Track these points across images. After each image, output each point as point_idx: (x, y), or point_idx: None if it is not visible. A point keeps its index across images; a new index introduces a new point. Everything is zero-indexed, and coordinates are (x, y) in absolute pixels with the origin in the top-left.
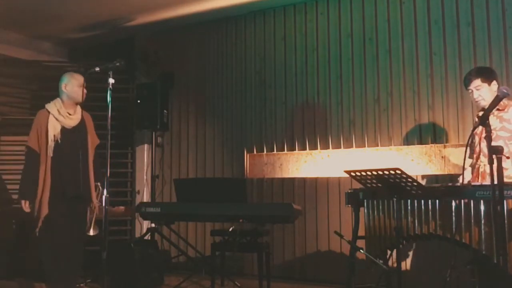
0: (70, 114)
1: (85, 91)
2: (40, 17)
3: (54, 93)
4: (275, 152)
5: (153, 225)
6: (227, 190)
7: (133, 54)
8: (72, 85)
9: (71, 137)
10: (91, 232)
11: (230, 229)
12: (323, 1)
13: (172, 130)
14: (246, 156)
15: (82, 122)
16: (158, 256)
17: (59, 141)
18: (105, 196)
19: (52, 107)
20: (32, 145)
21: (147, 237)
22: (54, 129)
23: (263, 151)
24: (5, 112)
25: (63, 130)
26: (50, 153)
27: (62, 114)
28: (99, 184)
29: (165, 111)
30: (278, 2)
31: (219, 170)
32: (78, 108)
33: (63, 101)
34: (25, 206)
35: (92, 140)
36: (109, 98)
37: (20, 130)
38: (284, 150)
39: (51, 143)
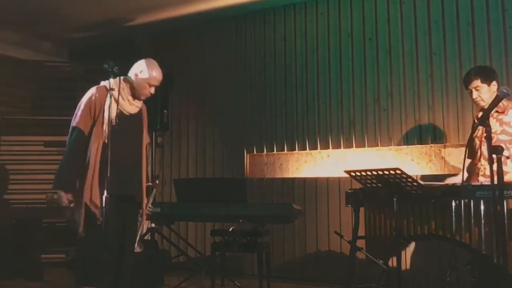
0: (131, 99)
1: (152, 91)
2: (40, 17)
3: (54, 93)
4: (275, 152)
5: (153, 225)
6: (227, 190)
7: (133, 54)
8: (143, 78)
9: (128, 126)
10: (137, 249)
11: (230, 229)
12: (323, 1)
13: (172, 130)
14: (246, 156)
15: (140, 113)
16: (158, 256)
17: (115, 126)
18: (105, 196)
19: (114, 85)
20: (82, 126)
21: (147, 237)
22: (111, 111)
23: (263, 151)
24: (5, 112)
25: (120, 115)
26: (105, 138)
27: (123, 96)
28: (152, 184)
29: (165, 111)
30: (278, 2)
31: (219, 170)
32: None
33: (128, 84)
34: (65, 198)
35: (146, 137)
36: (109, 99)
37: (20, 130)
38: (284, 150)
39: (106, 127)
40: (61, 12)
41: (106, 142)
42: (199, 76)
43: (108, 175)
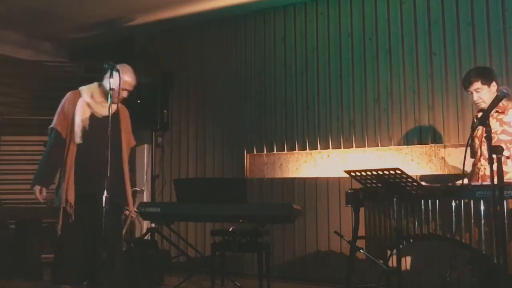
0: (103, 102)
1: (124, 95)
2: (40, 17)
3: (54, 93)
4: (275, 152)
5: (153, 225)
6: (227, 190)
7: (133, 54)
8: (116, 81)
9: (102, 127)
10: None
11: (230, 229)
12: (323, 1)
13: (172, 130)
14: (246, 156)
15: (117, 115)
16: (158, 256)
17: (87, 128)
18: (105, 197)
19: (86, 90)
20: (59, 127)
21: (147, 237)
22: (82, 114)
23: (263, 151)
24: (5, 112)
25: (93, 117)
26: (78, 139)
27: (94, 99)
28: (138, 189)
29: (165, 111)
30: (278, 2)
31: (219, 170)
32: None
33: (100, 87)
34: (39, 193)
35: (127, 139)
36: (109, 99)
37: (20, 130)
38: (284, 150)
39: (77, 129)
40: (61, 12)
41: (81, 143)
42: (199, 76)
43: (108, 175)
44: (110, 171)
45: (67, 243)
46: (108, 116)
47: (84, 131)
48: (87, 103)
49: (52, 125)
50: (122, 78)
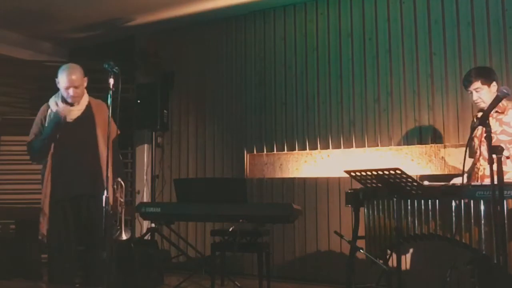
0: (66, 106)
1: (71, 93)
2: (40, 17)
3: (54, 93)
4: (275, 152)
5: (153, 225)
6: (227, 190)
7: (133, 54)
8: (60, 84)
9: (73, 130)
10: (123, 236)
11: (230, 229)
12: (323, 1)
13: (172, 130)
14: (246, 156)
15: (88, 112)
16: (158, 256)
17: (58, 136)
18: (105, 197)
19: (51, 100)
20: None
21: (147, 237)
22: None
23: (263, 151)
24: (5, 112)
25: (62, 123)
26: (50, 149)
27: (59, 107)
28: (119, 179)
29: (165, 111)
30: (278, 2)
31: (219, 170)
32: (84, 98)
33: (59, 95)
34: None
35: (105, 131)
36: (109, 99)
37: (20, 130)
38: (284, 150)
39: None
40: (61, 12)
41: (53, 152)
42: (199, 76)
43: (109, 175)
44: (87, 171)
45: (55, 249)
46: (79, 117)
47: (58, 139)
48: (53, 111)
49: (28, 141)
50: (60, 80)
